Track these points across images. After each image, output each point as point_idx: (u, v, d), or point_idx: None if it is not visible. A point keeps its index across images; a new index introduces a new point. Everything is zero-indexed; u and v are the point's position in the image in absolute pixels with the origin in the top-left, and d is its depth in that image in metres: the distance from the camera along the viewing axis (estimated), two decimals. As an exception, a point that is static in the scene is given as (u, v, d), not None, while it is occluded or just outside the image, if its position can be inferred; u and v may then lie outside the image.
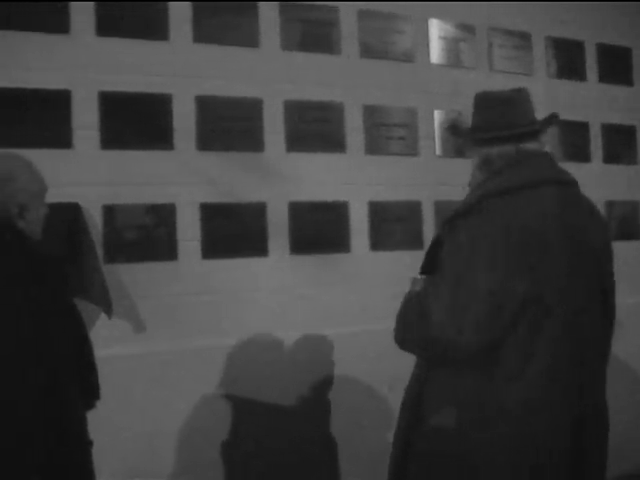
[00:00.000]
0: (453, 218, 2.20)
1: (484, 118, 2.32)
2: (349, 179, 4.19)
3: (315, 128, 4.09)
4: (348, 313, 4.06)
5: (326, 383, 4.01)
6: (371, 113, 4.28)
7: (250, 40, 4.00)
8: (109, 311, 3.64)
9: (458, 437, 2.13)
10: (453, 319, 2.05)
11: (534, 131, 2.30)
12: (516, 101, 2.30)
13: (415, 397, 2.29)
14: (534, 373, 2.07)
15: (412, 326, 2.20)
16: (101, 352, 3.50)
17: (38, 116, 3.59)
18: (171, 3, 3.84)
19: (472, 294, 2.04)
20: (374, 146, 4.27)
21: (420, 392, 2.28)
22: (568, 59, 4.98)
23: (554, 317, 2.07)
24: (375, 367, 3.85)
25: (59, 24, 3.64)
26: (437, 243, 2.24)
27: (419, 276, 2.34)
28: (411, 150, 4.40)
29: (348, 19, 4.26)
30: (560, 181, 2.25)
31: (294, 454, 3.84)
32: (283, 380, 3.84)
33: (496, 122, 2.28)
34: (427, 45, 4.54)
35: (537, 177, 2.20)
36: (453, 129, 2.72)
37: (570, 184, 2.29)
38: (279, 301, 3.97)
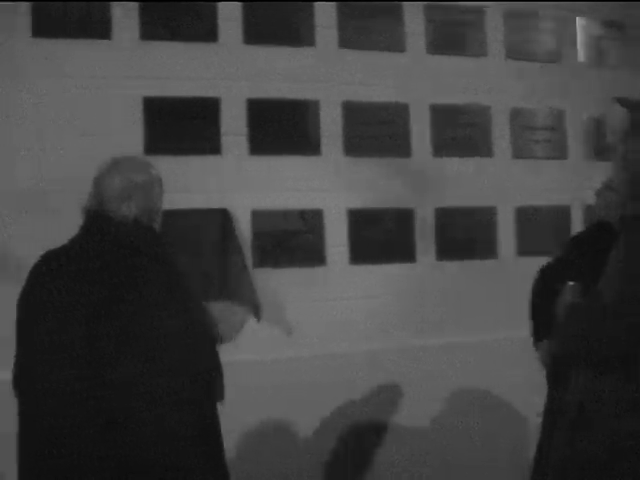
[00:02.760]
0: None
1: None
2: (496, 184, 4.07)
3: (461, 132, 4.00)
4: (494, 318, 3.93)
5: (465, 391, 3.90)
6: (517, 116, 4.15)
7: (395, 44, 3.96)
8: (258, 314, 3.67)
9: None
10: None
11: None
12: None
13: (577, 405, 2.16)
14: None
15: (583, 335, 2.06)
16: (248, 356, 3.61)
17: (188, 124, 3.66)
18: (317, 9, 3.83)
19: None
20: (521, 150, 4.14)
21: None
22: None
23: None
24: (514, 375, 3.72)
25: (207, 33, 3.70)
26: (596, 247, 2.09)
27: (570, 283, 2.21)
28: (558, 153, 4.23)
29: (494, 20, 4.16)
30: None
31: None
32: (429, 384, 3.76)
33: None
34: (574, 44, 4.36)
35: None
36: (626, 102, 2.53)
37: None
38: (424, 306, 3.89)
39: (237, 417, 3.45)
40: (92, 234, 1.97)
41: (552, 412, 2.73)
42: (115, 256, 1.91)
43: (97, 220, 1.99)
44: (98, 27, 3.57)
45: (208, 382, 1.99)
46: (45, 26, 3.50)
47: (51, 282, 1.91)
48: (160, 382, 1.82)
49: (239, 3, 3.73)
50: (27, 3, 3.46)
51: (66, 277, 1.89)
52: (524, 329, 3.23)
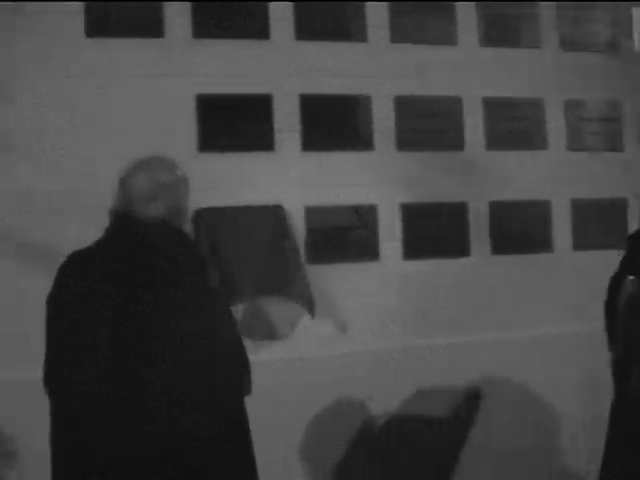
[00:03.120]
0: None
1: None
2: (551, 177, 4.01)
3: (515, 125, 3.95)
4: (550, 312, 3.88)
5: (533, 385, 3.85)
6: (572, 107, 4.08)
7: (447, 37, 3.92)
8: (312, 310, 3.66)
9: None
10: None
11: None
12: None
13: None
14: None
15: None
16: (303, 353, 3.61)
17: (241, 121, 3.67)
18: (368, 4, 3.82)
19: None
20: (576, 142, 4.07)
21: None
22: None
23: None
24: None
25: (260, 30, 3.71)
26: None
27: (630, 277, 2.17)
28: (614, 145, 4.15)
29: (547, 12, 4.09)
30: None
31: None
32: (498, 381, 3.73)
33: None
34: (630, 34, 4.27)
35: None
36: None
37: None
38: (477, 301, 3.85)
39: (293, 413, 3.49)
40: (119, 235, 1.99)
41: (617, 410, 2.69)
42: (142, 257, 1.92)
43: (124, 221, 2.00)
44: (151, 26, 3.59)
45: (236, 378, 1.99)
46: (98, 26, 3.53)
47: (77, 283, 1.92)
48: (185, 381, 1.83)
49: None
50: (80, 3, 3.49)
51: (92, 278, 1.90)
52: (579, 324, 3.19)
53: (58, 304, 1.93)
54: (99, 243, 2.01)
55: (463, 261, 3.87)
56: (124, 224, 2.00)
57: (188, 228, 2.10)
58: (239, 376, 2.06)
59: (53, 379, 1.88)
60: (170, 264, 1.93)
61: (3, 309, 3.16)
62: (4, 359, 3.12)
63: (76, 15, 3.51)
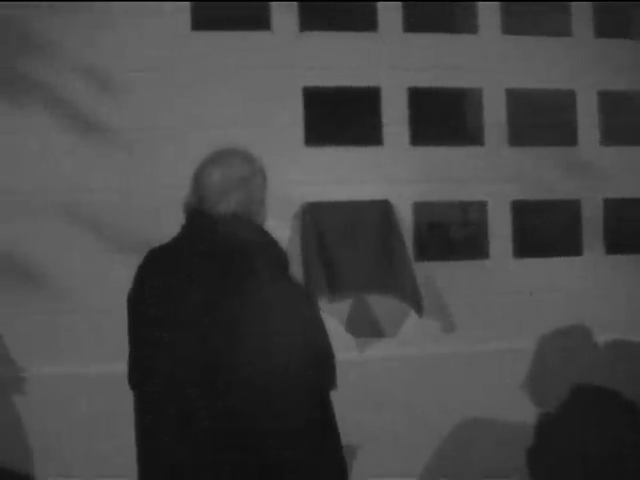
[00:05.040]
0: None
1: None
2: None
3: (631, 119, 3.80)
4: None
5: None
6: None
7: (561, 29, 3.79)
8: (420, 309, 3.58)
9: None
10: None
11: None
12: None
13: None
14: None
15: None
16: (405, 351, 3.54)
17: (348, 114, 3.61)
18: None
19: None
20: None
21: None
22: None
23: None
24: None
25: (367, 22, 3.64)
26: None
27: None
28: None
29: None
30: None
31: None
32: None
33: None
34: None
35: None
36: None
37: None
38: (592, 302, 3.72)
39: (400, 410, 3.44)
40: (190, 232, 1.95)
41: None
42: (213, 253, 1.86)
43: (195, 217, 1.95)
44: (258, 19, 3.55)
45: (321, 372, 1.93)
46: (205, 19, 3.51)
47: (154, 280, 1.91)
48: (269, 380, 1.77)
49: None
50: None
51: (167, 276, 1.88)
52: None
53: (136, 301, 1.94)
54: (175, 239, 1.98)
55: (576, 260, 3.73)
56: (194, 221, 1.96)
57: (262, 220, 2.03)
58: (322, 370, 2.01)
59: (135, 375, 1.89)
60: (246, 260, 1.88)
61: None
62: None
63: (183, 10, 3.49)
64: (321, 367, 1.91)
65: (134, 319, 1.94)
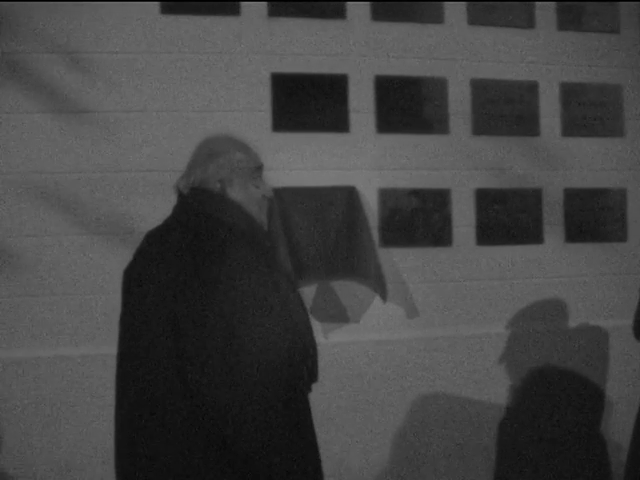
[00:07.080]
0: None
1: None
2: (627, 164, 3.94)
3: (592, 112, 3.88)
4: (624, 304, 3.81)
5: (601, 376, 3.80)
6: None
7: (524, 21, 3.86)
8: (384, 295, 3.63)
9: None
10: None
11: None
12: None
13: None
14: None
15: None
16: (369, 336, 3.59)
17: (316, 101, 3.63)
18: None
19: None
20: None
21: None
22: None
23: None
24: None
25: (336, 9, 3.67)
26: None
27: None
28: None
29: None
30: None
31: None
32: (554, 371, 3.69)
33: None
34: None
35: None
36: None
37: None
38: (552, 290, 3.80)
39: (361, 396, 3.48)
40: (186, 215, 1.96)
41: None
42: (210, 239, 1.85)
43: (190, 200, 1.98)
44: (228, 4, 3.55)
45: (300, 363, 1.92)
46: (174, 3, 3.50)
47: (139, 261, 1.95)
48: (245, 366, 1.74)
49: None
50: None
51: (147, 257, 1.92)
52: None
53: (124, 282, 1.97)
54: (168, 222, 2.00)
55: (537, 248, 3.81)
56: (189, 203, 1.96)
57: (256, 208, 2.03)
58: (306, 359, 2.00)
59: (117, 359, 1.91)
60: (238, 247, 1.87)
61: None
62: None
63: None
64: (293, 360, 1.85)
65: (121, 300, 1.98)
